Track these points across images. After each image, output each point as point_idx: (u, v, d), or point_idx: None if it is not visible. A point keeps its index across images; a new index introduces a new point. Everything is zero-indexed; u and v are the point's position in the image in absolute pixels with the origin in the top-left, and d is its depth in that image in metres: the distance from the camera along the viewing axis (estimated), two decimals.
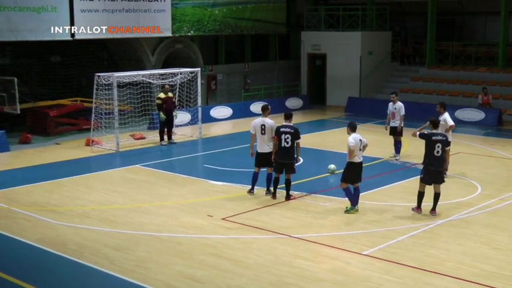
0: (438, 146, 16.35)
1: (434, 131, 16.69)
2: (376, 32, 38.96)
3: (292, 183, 18.09)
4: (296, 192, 18.56)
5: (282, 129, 17.69)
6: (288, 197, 18.06)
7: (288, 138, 17.55)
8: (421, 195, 16.69)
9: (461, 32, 41.67)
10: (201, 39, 36.20)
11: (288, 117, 17.99)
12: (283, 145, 17.58)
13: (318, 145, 26.35)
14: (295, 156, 17.85)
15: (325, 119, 34.41)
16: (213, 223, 16.17)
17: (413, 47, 42.51)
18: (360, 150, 16.75)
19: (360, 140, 16.71)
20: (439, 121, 17.58)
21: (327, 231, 15.51)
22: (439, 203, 16.64)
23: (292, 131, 17.64)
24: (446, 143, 16.63)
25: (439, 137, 16.50)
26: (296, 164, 18.02)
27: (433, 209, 16.60)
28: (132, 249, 14.28)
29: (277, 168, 17.95)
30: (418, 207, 16.75)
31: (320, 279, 12.64)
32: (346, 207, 17.02)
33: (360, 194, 18.02)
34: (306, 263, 13.38)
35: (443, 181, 16.68)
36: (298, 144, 17.77)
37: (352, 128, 16.91)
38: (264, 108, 18.62)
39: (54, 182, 20.52)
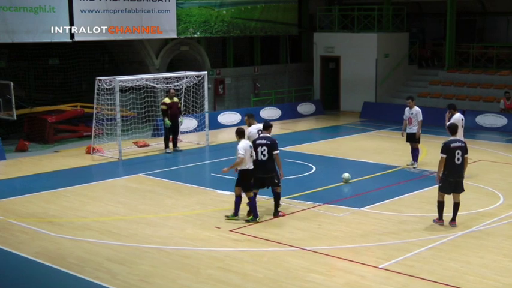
0: (458, 153, 16.35)
1: (452, 138, 16.70)
2: (392, 33, 38.93)
3: (304, 192, 18.09)
4: (308, 202, 18.61)
5: (258, 141, 17.44)
6: (277, 213, 17.74)
7: (264, 150, 17.24)
8: (441, 206, 16.69)
9: (482, 33, 41.68)
10: (207, 41, 36.31)
11: (267, 127, 17.78)
12: (260, 158, 17.28)
13: (332, 153, 26.38)
14: (277, 170, 17.60)
15: (339, 125, 34.42)
16: (221, 235, 16.22)
17: (431, 49, 42.48)
18: (251, 157, 17.01)
19: (251, 146, 17.03)
20: (457, 126, 17.59)
21: (340, 244, 15.55)
22: (459, 213, 16.67)
23: (269, 142, 17.34)
24: (465, 150, 16.61)
25: (458, 143, 16.51)
26: (281, 179, 17.75)
27: (453, 219, 16.62)
28: (136, 263, 14.34)
29: (256, 183, 17.47)
30: (440, 218, 16.74)
31: None
32: (248, 216, 17.31)
33: (376, 204, 18.14)
34: (319, 277, 13.42)
35: (463, 190, 16.70)
36: (277, 156, 17.44)
37: (241, 134, 17.21)
38: (250, 116, 18.87)
39: (53, 192, 20.60)
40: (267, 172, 17.37)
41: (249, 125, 18.58)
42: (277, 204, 17.75)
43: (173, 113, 26.45)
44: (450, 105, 22.18)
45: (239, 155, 16.74)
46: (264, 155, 17.25)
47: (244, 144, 16.89)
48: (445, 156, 16.37)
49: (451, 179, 16.43)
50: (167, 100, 26.53)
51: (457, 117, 21.29)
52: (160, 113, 27.25)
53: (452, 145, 16.42)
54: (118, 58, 34.37)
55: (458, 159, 16.36)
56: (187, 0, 33.07)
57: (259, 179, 17.39)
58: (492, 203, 18.89)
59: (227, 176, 22.10)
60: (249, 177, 17.01)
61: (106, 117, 27.07)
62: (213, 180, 22.52)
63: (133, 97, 29.57)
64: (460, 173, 16.53)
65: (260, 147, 17.27)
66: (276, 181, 17.53)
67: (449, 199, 16.64)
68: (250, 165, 16.98)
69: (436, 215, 16.79)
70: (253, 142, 17.46)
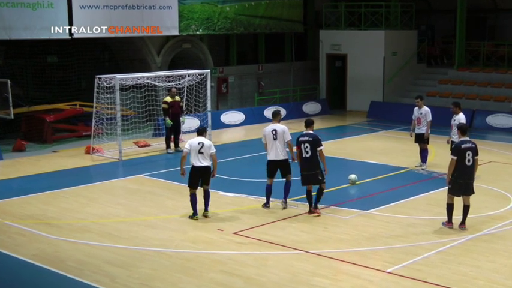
0: (469, 154, 16.30)
1: (462, 139, 16.67)
2: (400, 30, 38.91)
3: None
4: None
5: (301, 139, 17.81)
6: (316, 208, 17.99)
7: (307, 147, 17.63)
8: (450, 208, 16.66)
9: (493, 31, 41.62)
10: (210, 38, 36.34)
11: (308, 124, 18.08)
12: (304, 155, 17.69)
13: (338, 153, 26.31)
14: (321, 166, 17.84)
15: (346, 125, 34.44)
16: (223, 238, 16.23)
17: (441, 47, 42.46)
18: (201, 153, 17.37)
19: (200, 143, 17.42)
20: (467, 127, 17.55)
21: (347, 247, 15.54)
22: (468, 216, 16.64)
23: (311, 139, 17.70)
24: (476, 151, 16.57)
25: (469, 144, 16.45)
26: (325, 175, 17.98)
27: (462, 222, 16.58)
28: (136, 266, 14.35)
29: (302, 180, 17.98)
30: (449, 221, 16.72)
31: None
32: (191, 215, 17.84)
33: (383, 206, 18.12)
34: (324, 281, 13.41)
35: (473, 192, 16.65)
36: (321, 152, 17.81)
37: (197, 132, 17.91)
38: (275, 114, 18.89)
39: (51, 194, 20.61)
40: (310, 169, 17.74)
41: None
42: (317, 200, 18.01)
43: (175, 112, 26.45)
44: (455, 103, 22.14)
45: (183, 149, 17.65)
46: (307, 152, 17.67)
47: (191, 141, 17.59)
48: (455, 158, 16.34)
49: (461, 180, 16.39)
50: (168, 99, 26.52)
51: (462, 117, 21.30)
52: (162, 112, 27.25)
53: (463, 146, 16.37)
54: (118, 56, 34.39)
55: (468, 160, 16.32)
56: None
57: (304, 176, 17.87)
58: (503, 205, 18.86)
59: (229, 177, 22.22)
60: (193, 173, 17.55)
61: (106, 117, 27.07)
62: (215, 182, 22.36)
63: (134, 96, 29.55)
64: (470, 175, 16.48)
65: (303, 144, 17.69)
66: (320, 178, 17.81)
67: (458, 201, 16.62)
68: (197, 163, 17.42)
69: (445, 218, 16.77)
70: (298, 140, 17.89)
